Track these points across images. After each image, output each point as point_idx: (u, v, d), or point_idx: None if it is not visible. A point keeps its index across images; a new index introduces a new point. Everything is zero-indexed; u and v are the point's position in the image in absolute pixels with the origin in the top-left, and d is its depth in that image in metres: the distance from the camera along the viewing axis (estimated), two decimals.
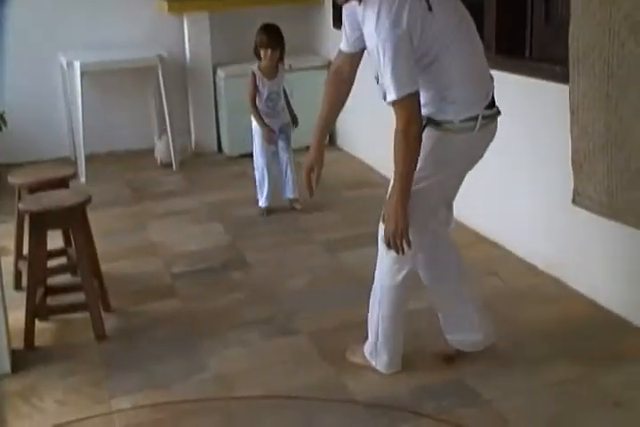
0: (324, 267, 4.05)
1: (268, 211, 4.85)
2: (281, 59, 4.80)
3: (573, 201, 3.24)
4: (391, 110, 2.56)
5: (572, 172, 3.20)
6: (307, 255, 4.20)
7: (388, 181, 5.24)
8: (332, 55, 6.01)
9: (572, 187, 3.21)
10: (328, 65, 6.06)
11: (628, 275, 3.29)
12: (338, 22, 5.91)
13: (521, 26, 3.94)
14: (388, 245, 2.67)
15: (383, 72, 2.47)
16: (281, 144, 4.88)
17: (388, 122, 5.13)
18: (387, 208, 2.68)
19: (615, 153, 3.00)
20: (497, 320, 3.12)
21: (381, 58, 2.45)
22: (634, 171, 2.91)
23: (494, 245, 4.15)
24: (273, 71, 4.77)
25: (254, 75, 4.75)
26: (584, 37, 3.04)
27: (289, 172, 4.88)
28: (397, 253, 2.66)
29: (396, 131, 2.56)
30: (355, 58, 2.87)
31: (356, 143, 5.97)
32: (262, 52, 4.70)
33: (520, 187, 3.96)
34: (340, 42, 2.88)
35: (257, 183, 4.87)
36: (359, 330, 3.02)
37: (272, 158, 4.86)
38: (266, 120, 4.77)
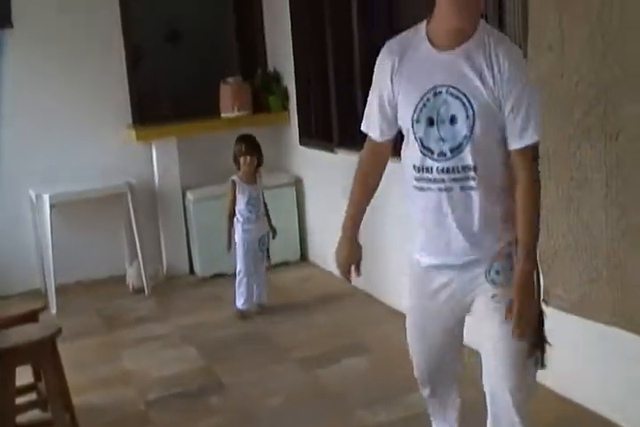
0: (300, 385, 4.00)
1: (244, 315, 4.99)
2: (259, 165, 5.06)
3: (545, 302, 3.25)
4: None
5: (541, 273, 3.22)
6: (282, 374, 4.15)
7: (362, 292, 5.27)
8: (301, 172, 6.22)
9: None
10: (296, 182, 6.20)
11: (602, 374, 3.26)
12: (304, 140, 6.08)
13: None
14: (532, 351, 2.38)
15: (527, 114, 2.31)
16: (258, 254, 5.08)
17: (359, 236, 5.12)
18: (519, 295, 2.33)
19: (581, 253, 3.04)
20: None
21: (525, 100, 2.30)
22: (600, 269, 2.94)
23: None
24: (252, 177, 5.05)
25: (234, 183, 4.99)
26: (543, 143, 3.14)
27: (261, 281, 5.09)
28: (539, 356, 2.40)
29: (526, 183, 2.35)
30: (390, 143, 2.63)
31: (328, 257, 5.97)
32: (242, 160, 4.98)
33: None
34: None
35: (236, 285, 5.03)
36: None
37: (253, 265, 5.04)
38: (247, 227, 5.00)
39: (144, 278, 5.75)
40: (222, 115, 6.29)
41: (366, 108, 2.61)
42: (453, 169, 2.34)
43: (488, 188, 2.36)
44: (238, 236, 5.02)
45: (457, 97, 2.30)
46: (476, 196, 2.35)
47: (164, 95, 6.81)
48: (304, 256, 6.25)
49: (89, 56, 5.90)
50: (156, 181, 6.15)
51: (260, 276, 5.12)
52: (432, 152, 2.36)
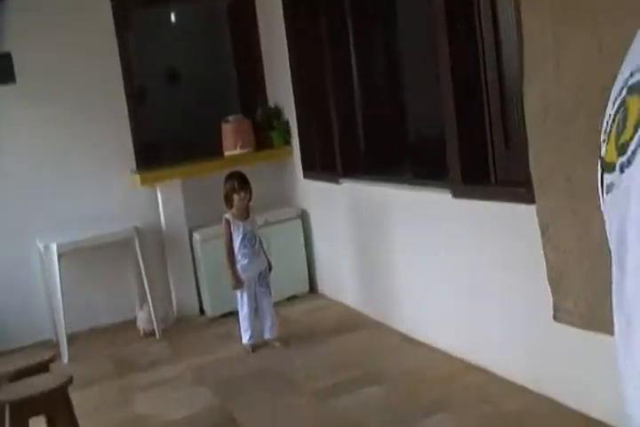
0: (316, 417, 3.95)
1: (253, 348, 5.01)
2: (250, 199, 5.05)
3: (555, 318, 3.20)
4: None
5: (549, 289, 3.18)
6: (297, 407, 4.09)
7: (374, 321, 5.29)
8: (306, 204, 6.22)
9: (550, 303, 3.18)
10: (302, 215, 6.19)
11: (616, 385, 3.17)
12: (308, 172, 6.08)
13: (483, 154, 4.01)
14: None
15: None
16: (261, 289, 5.05)
17: (367, 264, 5.16)
18: None
19: (590, 266, 2.99)
20: None
21: None
22: (610, 281, 2.88)
23: (478, 369, 4.06)
24: (246, 213, 5.04)
25: (228, 221, 4.99)
26: (545, 159, 3.12)
27: (268, 315, 5.05)
28: None
29: None
30: None
31: (338, 288, 5.95)
32: (236, 197, 4.96)
33: (497, 307, 3.92)
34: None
35: (241, 322, 5.03)
36: None
37: (255, 300, 5.04)
38: (245, 262, 4.97)
39: (154, 322, 5.71)
40: (225, 153, 6.31)
41: None
42: None
43: None
44: (241, 270, 4.99)
45: None
46: None
47: (167, 138, 6.85)
48: (313, 288, 6.21)
49: (91, 102, 5.95)
50: (163, 223, 6.15)
51: (268, 310, 5.07)
52: None
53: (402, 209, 4.83)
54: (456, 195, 4.06)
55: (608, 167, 0.72)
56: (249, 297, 5.01)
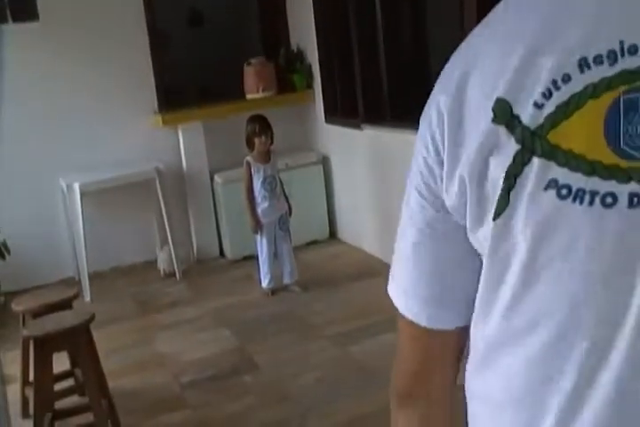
0: (333, 361, 4.00)
1: (273, 291, 5.09)
2: (271, 143, 5.04)
3: None
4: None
5: None
6: (315, 351, 4.15)
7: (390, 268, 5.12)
8: (327, 150, 6.20)
9: None
10: (323, 160, 6.18)
11: None
12: (330, 117, 6.05)
13: None
14: None
15: None
16: (280, 233, 5.09)
17: (388, 211, 5.14)
18: None
19: None
20: None
21: None
22: None
23: None
24: (267, 156, 5.03)
25: (248, 164, 4.99)
26: None
27: (287, 260, 5.11)
28: None
29: None
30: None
31: (358, 234, 5.97)
32: (257, 140, 4.94)
33: None
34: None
35: (260, 266, 5.10)
36: (373, 420, 2.93)
37: (275, 244, 5.09)
38: (266, 205, 4.99)
39: (175, 263, 5.78)
40: (247, 96, 6.27)
41: None
42: None
43: None
44: (261, 213, 5.02)
45: None
46: None
47: (189, 79, 6.81)
48: (333, 234, 6.24)
49: (113, 44, 5.90)
50: (184, 165, 6.16)
51: (288, 255, 5.12)
52: None
53: None
54: None
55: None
56: (268, 241, 5.04)
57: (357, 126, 5.58)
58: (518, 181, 0.78)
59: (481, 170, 0.81)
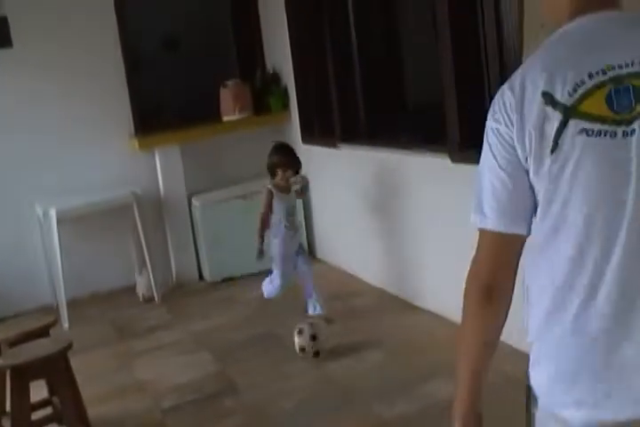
0: (315, 382, 3.98)
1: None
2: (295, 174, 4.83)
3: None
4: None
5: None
6: (296, 372, 4.13)
7: (371, 287, 5.26)
8: (304, 170, 6.16)
9: None
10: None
11: None
12: (307, 137, 6.05)
13: (482, 120, 3.95)
14: None
15: None
16: (301, 259, 4.84)
17: (366, 230, 5.10)
18: None
19: None
20: None
21: None
22: None
23: None
24: (288, 186, 4.78)
25: (271, 192, 4.71)
26: None
27: (311, 287, 4.83)
28: None
29: None
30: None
31: (337, 253, 5.96)
32: (280, 173, 4.72)
33: None
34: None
35: (271, 279, 4.82)
36: None
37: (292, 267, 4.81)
38: (286, 236, 4.71)
39: (154, 287, 5.74)
40: (224, 118, 6.28)
41: None
42: None
43: None
44: (277, 246, 4.72)
45: None
46: None
47: (165, 102, 6.80)
48: (312, 253, 6.21)
49: (88, 68, 5.90)
50: (161, 188, 6.14)
51: (307, 284, 4.85)
52: None
53: (400, 174, 4.82)
54: (455, 160, 4.05)
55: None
56: (287, 270, 4.77)
57: (334, 145, 5.59)
58: (563, 132, 1.41)
59: (540, 129, 1.43)
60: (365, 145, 5.26)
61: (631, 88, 1.40)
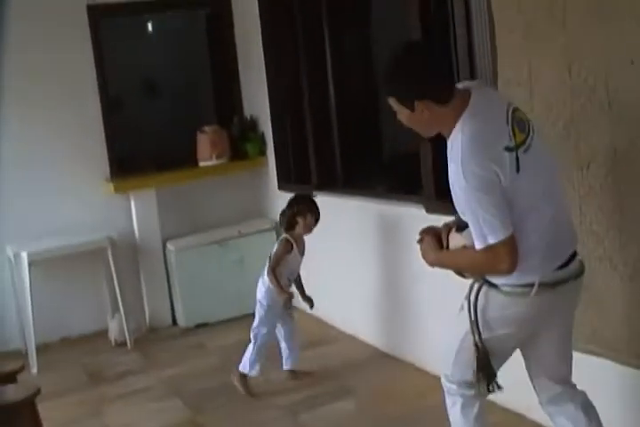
0: None
1: (248, 383, 4.51)
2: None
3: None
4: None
5: None
6: (267, 421, 4.09)
7: (346, 335, 5.23)
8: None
9: None
10: (276, 226, 6.17)
11: None
12: (283, 184, 6.06)
13: None
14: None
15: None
16: (287, 312, 4.67)
17: (342, 279, 5.09)
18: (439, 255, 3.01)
19: None
20: None
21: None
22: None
23: None
24: (303, 245, 4.61)
25: (290, 243, 4.51)
26: None
27: (294, 344, 4.66)
28: None
29: None
30: None
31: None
32: (301, 220, 4.51)
33: None
34: None
35: (254, 349, 4.48)
36: None
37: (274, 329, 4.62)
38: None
39: (126, 332, 5.67)
40: (200, 163, 6.29)
41: None
42: None
43: None
44: (269, 298, 4.53)
45: None
46: None
47: (142, 147, 6.81)
48: None
49: (65, 111, 5.89)
50: (136, 233, 6.11)
51: (292, 336, 4.67)
52: None
53: (376, 223, 4.85)
54: (430, 210, 4.08)
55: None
56: (273, 325, 4.57)
57: (310, 193, 5.60)
58: (519, 159, 2.41)
59: (506, 164, 2.39)
60: (341, 193, 5.29)
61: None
